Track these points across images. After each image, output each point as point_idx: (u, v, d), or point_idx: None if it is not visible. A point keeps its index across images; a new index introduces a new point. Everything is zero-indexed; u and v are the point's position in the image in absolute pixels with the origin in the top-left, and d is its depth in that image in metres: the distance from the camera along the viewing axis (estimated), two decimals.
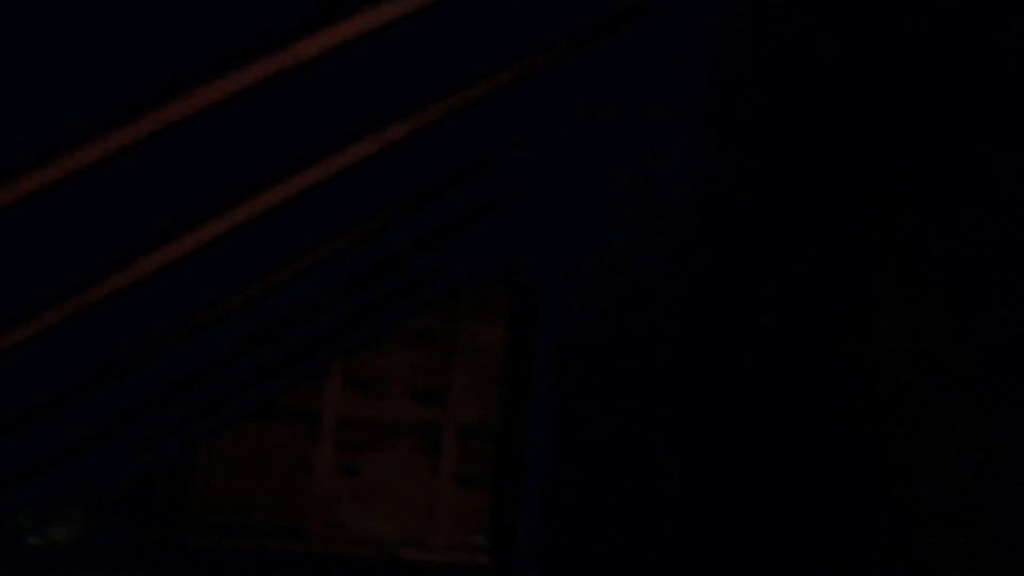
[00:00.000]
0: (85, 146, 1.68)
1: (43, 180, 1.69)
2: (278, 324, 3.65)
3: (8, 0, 1.18)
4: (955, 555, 1.51)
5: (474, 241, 4.37)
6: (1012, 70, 1.53)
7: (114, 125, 1.68)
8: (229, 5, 1.48)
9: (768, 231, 2.28)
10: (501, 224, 4.35)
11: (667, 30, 3.24)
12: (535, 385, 4.20)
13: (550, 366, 3.83)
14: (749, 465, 2.18)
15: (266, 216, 2.31)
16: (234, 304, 3.01)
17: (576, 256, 3.87)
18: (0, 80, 1.35)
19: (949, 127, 1.68)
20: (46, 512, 4.16)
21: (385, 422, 4.73)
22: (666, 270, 2.95)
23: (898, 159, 1.78)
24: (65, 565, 3.80)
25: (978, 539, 1.49)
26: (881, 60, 1.89)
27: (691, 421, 2.49)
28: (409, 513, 4.60)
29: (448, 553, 4.50)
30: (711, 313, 2.51)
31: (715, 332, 2.45)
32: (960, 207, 1.59)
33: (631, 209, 3.37)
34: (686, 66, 2.99)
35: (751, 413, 2.22)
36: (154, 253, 2.12)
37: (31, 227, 1.78)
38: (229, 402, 4.66)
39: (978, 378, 1.54)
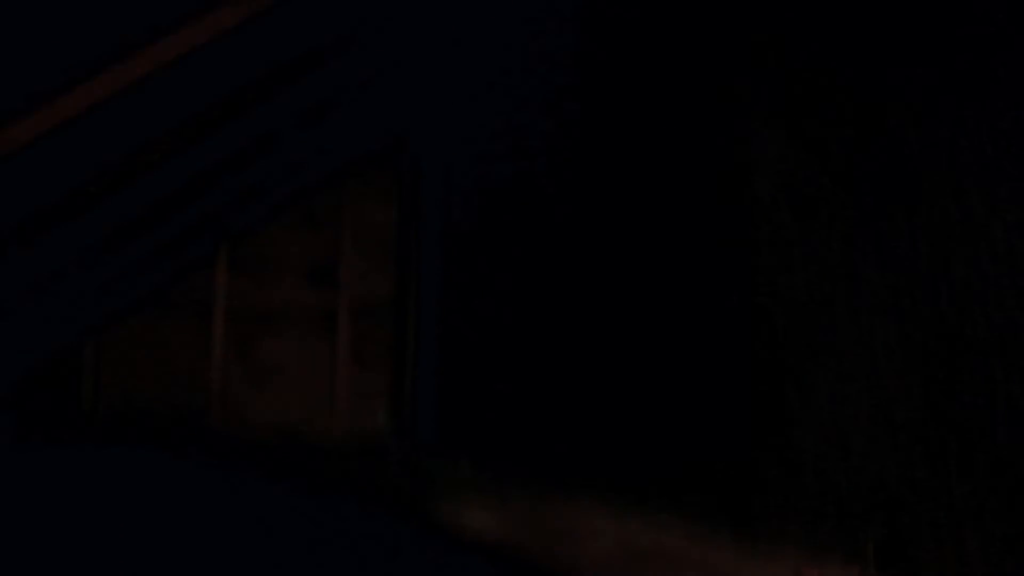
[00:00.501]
0: None
1: None
2: (157, 205, 3.52)
3: None
4: (820, 364, 1.57)
5: (354, 116, 4.26)
6: None
7: None
8: None
9: (650, 78, 2.26)
10: (381, 99, 4.25)
11: None
12: (425, 261, 4.18)
13: (439, 240, 3.81)
14: (635, 306, 2.21)
15: (135, 87, 2.19)
16: (111, 182, 2.88)
17: (461, 127, 3.82)
18: None
19: None
20: None
21: (277, 306, 4.66)
22: (551, 129, 2.92)
23: (767, 14, 1.77)
24: None
25: (840, 349, 1.54)
26: None
27: (576, 272, 2.51)
28: (308, 397, 4.59)
29: (350, 435, 4.52)
30: (592, 160, 2.51)
31: (596, 177, 2.45)
32: (826, 49, 1.60)
33: (513, 74, 3.32)
34: None
35: (634, 258, 2.24)
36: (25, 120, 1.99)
37: None
38: (113, 294, 4.53)
39: (839, 202, 1.58)
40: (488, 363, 3.24)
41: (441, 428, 3.43)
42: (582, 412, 2.55)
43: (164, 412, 4.59)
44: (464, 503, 2.51)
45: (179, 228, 4.29)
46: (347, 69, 3.45)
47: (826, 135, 1.64)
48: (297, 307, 4.66)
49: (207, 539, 1.97)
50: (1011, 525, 1.20)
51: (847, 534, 1.53)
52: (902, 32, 1.48)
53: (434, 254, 3.76)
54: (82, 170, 2.66)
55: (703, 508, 1.94)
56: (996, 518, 1.23)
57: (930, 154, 1.40)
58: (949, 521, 1.32)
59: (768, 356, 1.76)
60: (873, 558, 1.44)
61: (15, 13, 1.66)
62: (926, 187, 1.41)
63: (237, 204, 4.27)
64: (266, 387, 4.61)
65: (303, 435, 4.58)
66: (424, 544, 1.98)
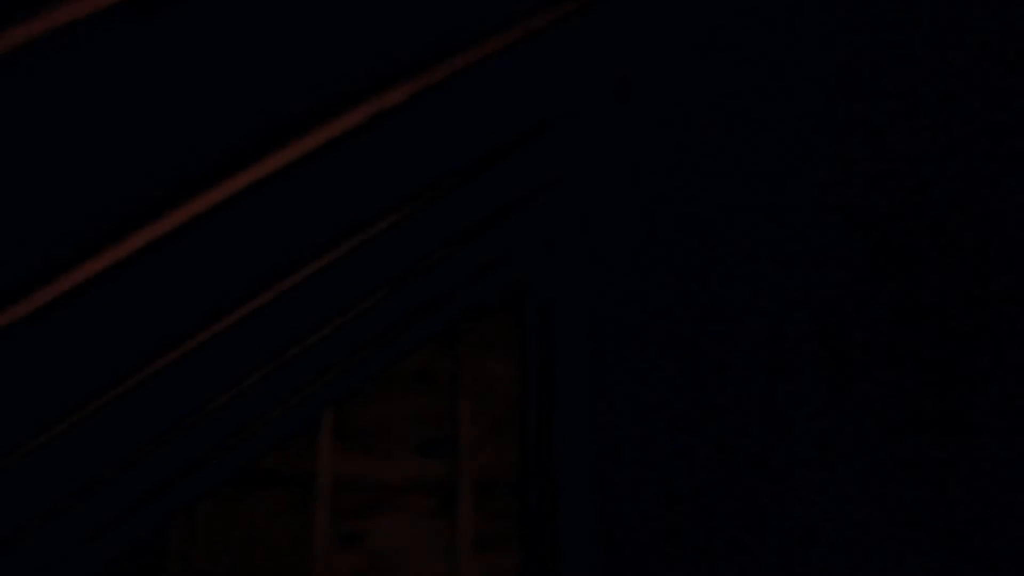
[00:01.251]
0: None
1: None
2: (254, 369, 3.01)
3: None
4: None
5: (475, 260, 3.76)
6: None
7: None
8: None
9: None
10: (506, 238, 3.74)
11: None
12: (562, 425, 3.57)
13: (586, 401, 3.20)
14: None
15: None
16: (199, 350, 2.37)
17: (605, 265, 3.26)
18: None
19: None
20: None
21: (388, 481, 4.07)
22: (726, 273, 2.34)
23: None
24: None
25: None
26: None
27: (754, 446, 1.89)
28: None
29: None
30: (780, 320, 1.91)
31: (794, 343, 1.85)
32: None
33: (671, 211, 2.77)
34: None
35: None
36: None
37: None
38: (203, 469, 4.00)
39: None
40: (661, 550, 2.57)
41: None
42: None
43: None
44: None
45: (285, 390, 3.78)
46: (481, 198, 2.96)
47: None
48: (410, 481, 4.07)
49: None
50: None
51: None
52: None
53: (579, 419, 3.15)
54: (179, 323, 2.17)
55: None
56: None
57: None
58: None
59: None
60: None
61: None
62: None
63: (346, 363, 3.75)
64: (377, 574, 3.97)
65: None
66: None
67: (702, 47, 2.61)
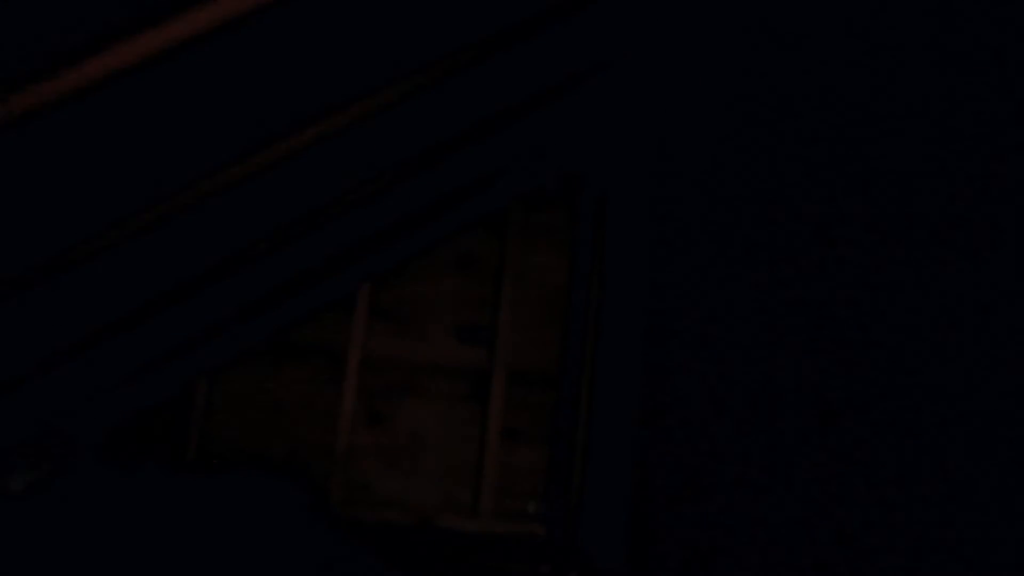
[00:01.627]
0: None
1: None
2: (291, 229, 2.85)
3: None
4: None
5: (529, 141, 3.54)
6: None
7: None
8: None
9: None
10: (564, 122, 3.52)
11: None
12: (610, 320, 3.40)
13: (641, 301, 3.02)
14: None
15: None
16: (229, 188, 2.21)
17: (664, 156, 3.05)
18: None
19: None
20: (8, 459, 3.41)
21: (420, 363, 3.94)
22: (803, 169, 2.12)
23: None
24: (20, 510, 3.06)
25: None
26: None
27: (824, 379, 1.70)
28: (449, 473, 3.83)
29: (495, 521, 3.73)
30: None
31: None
32: None
33: (747, 100, 2.53)
34: None
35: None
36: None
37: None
38: (232, 332, 3.90)
39: None
40: (700, 471, 2.41)
41: (634, 542, 2.60)
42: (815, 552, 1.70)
43: (281, 470, 3.89)
44: None
45: (322, 257, 3.64)
46: (537, 70, 2.74)
47: None
48: (443, 365, 3.93)
49: None
50: None
51: None
52: None
53: (636, 320, 2.97)
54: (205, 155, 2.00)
55: None
56: None
57: None
58: None
59: None
60: None
61: None
62: None
63: (387, 238, 3.59)
64: (400, 456, 3.88)
65: (437, 517, 3.81)
66: None
67: None
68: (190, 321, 3.39)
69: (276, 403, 3.93)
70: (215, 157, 1.97)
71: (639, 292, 2.95)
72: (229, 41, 1.54)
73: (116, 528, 2.89)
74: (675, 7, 3.10)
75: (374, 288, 4.06)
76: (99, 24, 1.27)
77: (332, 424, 3.91)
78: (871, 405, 1.71)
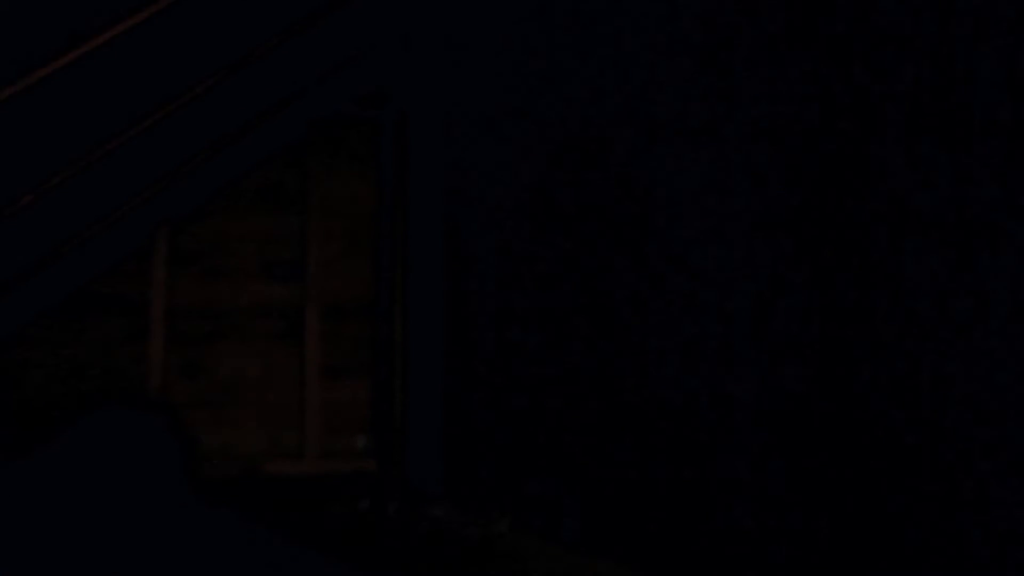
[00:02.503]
0: None
1: None
2: (71, 171, 2.61)
3: None
4: None
5: (318, 57, 3.36)
6: None
7: None
8: None
9: None
10: (351, 34, 3.35)
11: None
12: (415, 248, 3.30)
13: (439, 224, 2.93)
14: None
15: None
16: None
17: (471, 77, 2.93)
18: None
19: None
20: None
21: (231, 307, 3.75)
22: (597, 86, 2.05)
23: None
24: None
25: None
26: None
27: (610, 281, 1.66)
28: (272, 417, 3.69)
29: (323, 462, 3.63)
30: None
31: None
32: None
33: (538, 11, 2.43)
34: None
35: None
36: None
37: None
38: (25, 290, 3.63)
39: None
40: (503, 387, 2.37)
41: (449, 466, 2.55)
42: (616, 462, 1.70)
43: None
44: None
45: (103, 206, 3.40)
46: None
47: None
48: (255, 305, 3.76)
49: None
50: None
51: None
52: None
53: (432, 242, 2.88)
54: None
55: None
56: None
57: None
58: None
59: None
60: None
61: None
62: None
63: (177, 174, 3.36)
64: (219, 406, 3.71)
65: (265, 462, 3.69)
66: None
67: None
68: None
69: (85, 359, 3.69)
70: None
71: (437, 215, 2.86)
72: None
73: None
74: None
75: (173, 231, 3.82)
76: None
77: (144, 380, 3.71)
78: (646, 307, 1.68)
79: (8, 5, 1.54)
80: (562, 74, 2.19)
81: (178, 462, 3.63)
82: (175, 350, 3.76)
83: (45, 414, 3.68)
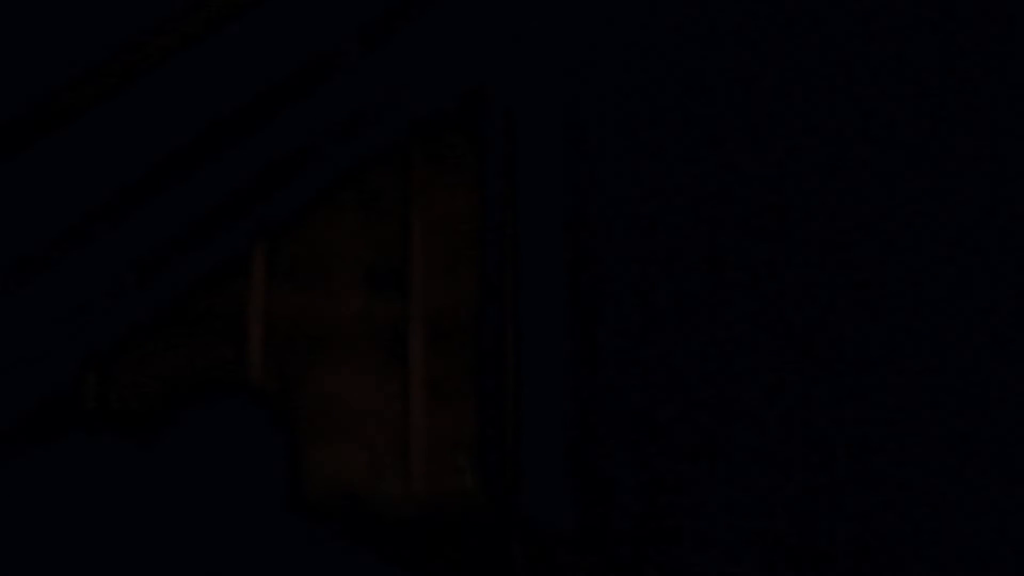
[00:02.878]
0: None
1: None
2: (156, 183, 2.44)
3: None
4: None
5: (418, 56, 3.14)
6: None
7: None
8: None
9: None
10: (459, 30, 3.12)
11: None
12: (527, 261, 3.05)
13: (557, 234, 2.68)
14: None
15: None
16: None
17: (581, 67, 2.68)
18: None
19: None
20: None
21: (330, 321, 3.56)
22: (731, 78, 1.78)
23: None
24: None
25: None
26: None
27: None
28: (374, 439, 3.48)
29: (427, 485, 3.40)
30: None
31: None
32: None
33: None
34: None
35: None
36: None
37: None
38: (118, 307, 3.51)
39: None
40: (647, 411, 2.10)
41: (585, 504, 2.29)
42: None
43: None
44: None
45: (200, 216, 3.25)
46: None
47: None
48: (355, 321, 3.56)
49: None
50: None
51: None
52: None
53: (546, 239, 2.62)
54: None
55: None
56: None
57: None
58: None
59: None
60: None
61: None
62: None
63: (273, 180, 3.19)
64: (318, 425, 3.52)
65: (365, 486, 3.48)
66: None
67: None
68: (64, 297, 3.00)
69: (173, 382, 3.54)
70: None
71: (557, 217, 2.61)
72: None
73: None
74: None
75: (271, 244, 3.65)
76: None
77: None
78: (838, 332, 1.40)
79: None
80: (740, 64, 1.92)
81: (282, 473, 3.46)
82: (272, 365, 3.59)
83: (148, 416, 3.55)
